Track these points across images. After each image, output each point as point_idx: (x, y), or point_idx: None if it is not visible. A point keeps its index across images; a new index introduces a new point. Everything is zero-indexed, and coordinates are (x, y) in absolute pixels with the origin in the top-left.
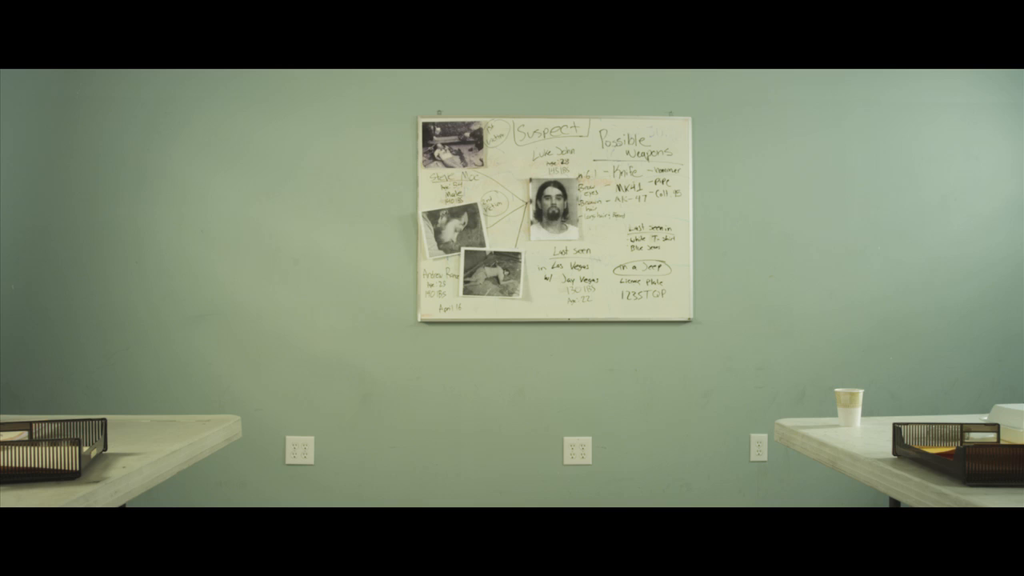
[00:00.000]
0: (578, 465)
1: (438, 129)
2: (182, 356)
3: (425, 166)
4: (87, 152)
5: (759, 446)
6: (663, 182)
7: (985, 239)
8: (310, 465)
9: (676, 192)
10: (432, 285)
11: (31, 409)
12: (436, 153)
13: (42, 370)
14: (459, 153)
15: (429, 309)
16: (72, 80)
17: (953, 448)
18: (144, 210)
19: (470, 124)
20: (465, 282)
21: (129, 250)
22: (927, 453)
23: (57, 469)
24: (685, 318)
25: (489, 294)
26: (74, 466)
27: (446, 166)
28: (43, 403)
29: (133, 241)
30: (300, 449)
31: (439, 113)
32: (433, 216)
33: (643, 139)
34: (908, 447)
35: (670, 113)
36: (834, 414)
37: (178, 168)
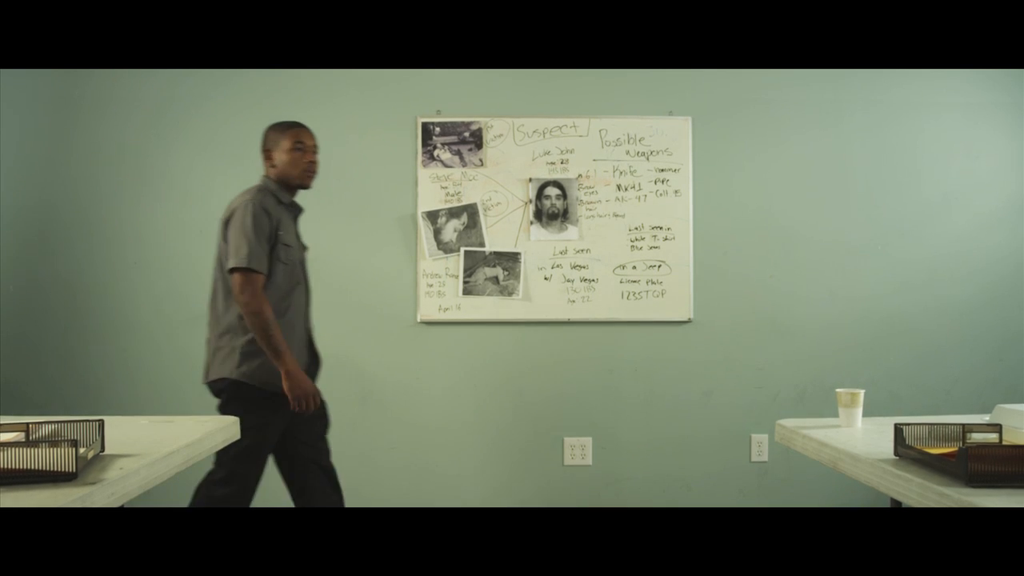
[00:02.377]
0: (578, 466)
1: (437, 129)
2: (182, 356)
3: (424, 166)
4: (87, 152)
5: (760, 446)
6: (663, 182)
7: (986, 238)
8: None
9: (676, 192)
10: (432, 285)
11: (31, 410)
12: (435, 153)
13: (42, 371)
14: (458, 153)
15: (428, 309)
16: (72, 80)
17: (955, 449)
18: (144, 210)
19: (469, 124)
20: (465, 282)
21: (129, 250)
22: (929, 454)
23: (53, 471)
24: (685, 318)
25: (489, 294)
26: (70, 468)
27: (445, 166)
28: (43, 404)
29: (133, 241)
30: None
31: (438, 113)
32: (432, 216)
33: (643, 139)
34: (910, 448)
35: (670, 113)
36: (835, 414)
37: (179, 168)
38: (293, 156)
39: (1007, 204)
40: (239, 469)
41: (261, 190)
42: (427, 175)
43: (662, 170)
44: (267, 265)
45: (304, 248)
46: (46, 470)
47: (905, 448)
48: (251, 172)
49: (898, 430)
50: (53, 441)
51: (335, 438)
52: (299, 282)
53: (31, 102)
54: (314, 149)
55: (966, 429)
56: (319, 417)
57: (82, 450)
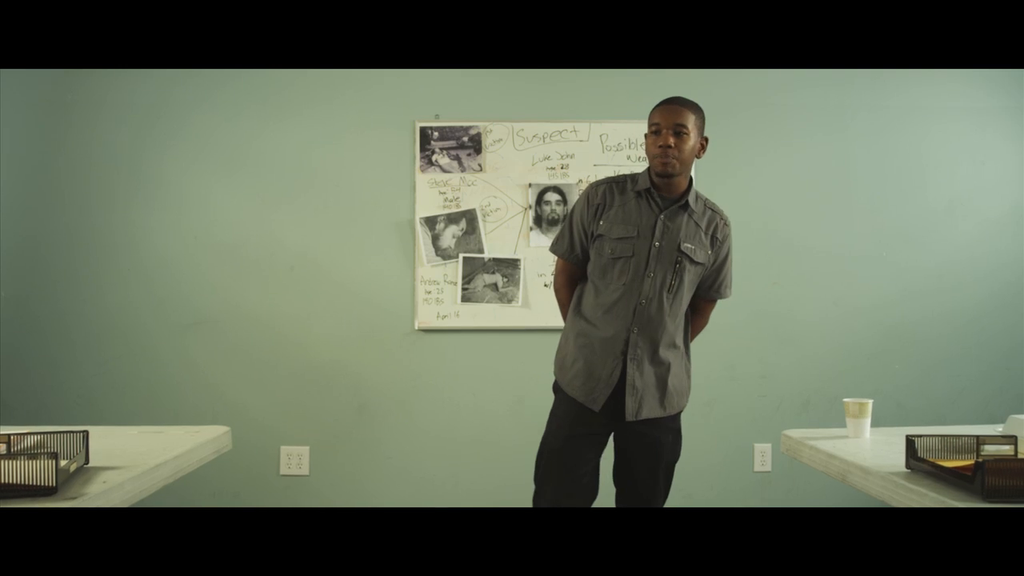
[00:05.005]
0: None
1: (436, 134)
2: (176, 364)
3: (423, 171)
4: (80, 157)
5: (763, 456)
6: None
7: (992, 244)
8: (305, 476)
9: None
10: (430, 292)
11: (21, 419)
12: (434, 158)
13: (33, 379)
14: (457, 158)
15: (426, 317)
16: (65, 83)
17: (969, 462)
18: (138, 216)
19: (468, 129)
20: (463, 289)
21: (122, 256)
22: (942, 467)
23: (32, 485)
24: None
25: (488, 301)
26: (50, 482)
27: (444, 171)
28: (34, 413)
29: (127, 247)
30: (295, 459)
31: (437, 118)
32: (431, 222)
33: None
34: (922, 460)
35: None
36: (839, 423)
37: (173, 173)
38: (649, 139)
39: (1013, 209)
40: (539, 468)
41: (623, 175)
42: (425, 180)
43: None
44: (576, 253)
45: (673, 243)
46: (24, 484)
47: (917, 461)
48: (247, 176)
49: (910, 442)
50: (33, 453)
51: (332, 446)
52: (620, 285)
53: (23, 106)
54: (676, 130)
55: (980, 441)
56: None
57: (64, 462)
